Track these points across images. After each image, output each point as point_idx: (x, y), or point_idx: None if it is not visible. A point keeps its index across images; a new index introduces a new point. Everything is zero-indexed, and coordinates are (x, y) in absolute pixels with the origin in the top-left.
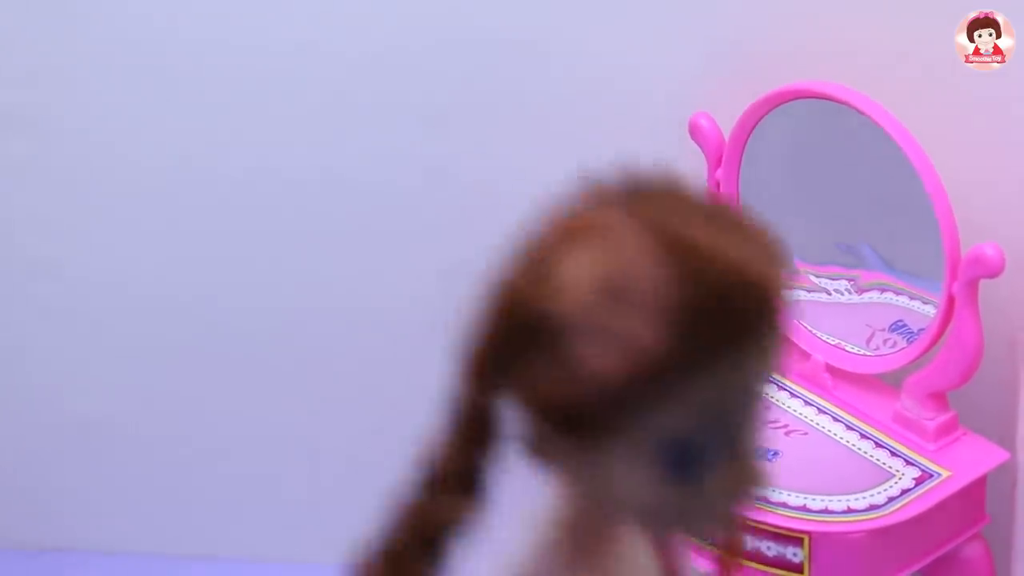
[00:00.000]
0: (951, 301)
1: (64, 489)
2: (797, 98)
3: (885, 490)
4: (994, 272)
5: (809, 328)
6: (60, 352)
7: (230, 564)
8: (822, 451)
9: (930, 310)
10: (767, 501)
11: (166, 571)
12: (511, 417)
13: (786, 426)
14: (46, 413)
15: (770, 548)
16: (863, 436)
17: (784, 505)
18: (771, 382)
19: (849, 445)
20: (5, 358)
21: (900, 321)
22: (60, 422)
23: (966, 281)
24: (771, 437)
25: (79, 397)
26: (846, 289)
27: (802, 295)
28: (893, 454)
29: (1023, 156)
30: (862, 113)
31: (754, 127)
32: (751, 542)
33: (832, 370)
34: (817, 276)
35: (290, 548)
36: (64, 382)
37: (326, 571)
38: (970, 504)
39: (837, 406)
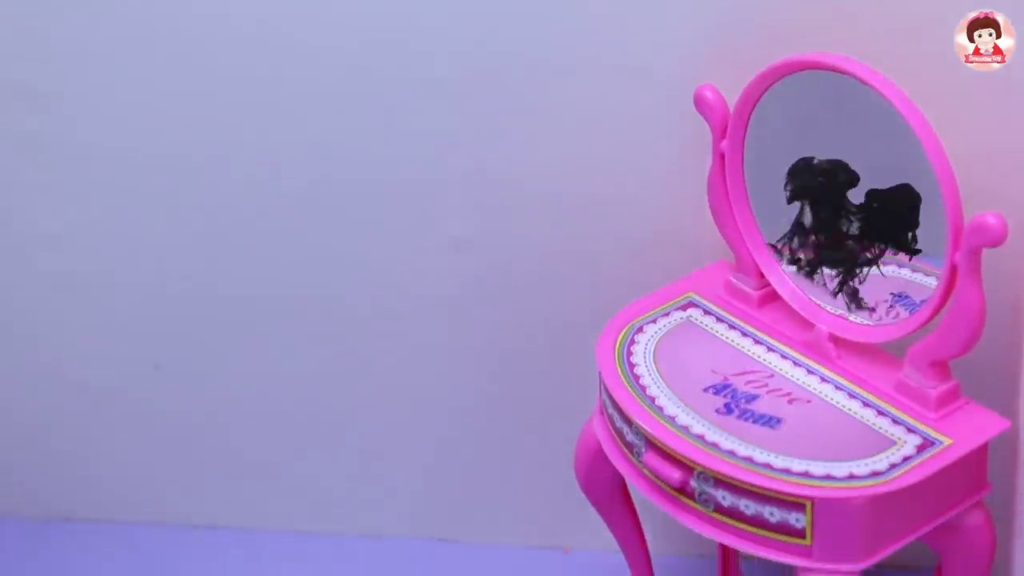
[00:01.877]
0: (953, 270)
1: (71, 458)
2: (801, 69)
3: (887, 457)
4: (996, 241)
5: (812, 298)
6: (67, 321)
7: (236, 534)
8: (825, 419)
9: (932, 282)
10: (770, 467)
11: (173, 540)
12: None
13: (789, 394)
14: (53, 382)
15: (773, 514)
16: (865, 404)
17: (787, 471)
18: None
19: (851, 413)
20: (13, 328)
21: (903, 293)
22: (67, 391)
23: (968, 250)
24: (775, 405)
25: (86, 366)
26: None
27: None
28: (895, 422)
29: None
30: (866, 84)
31: (759, 99)
32: (754, 508)
33: (835, 340)
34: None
35: (296, 518)
36: (70, 351)
37: (332, 541)
38: (972, 472)
39: (840, 375)
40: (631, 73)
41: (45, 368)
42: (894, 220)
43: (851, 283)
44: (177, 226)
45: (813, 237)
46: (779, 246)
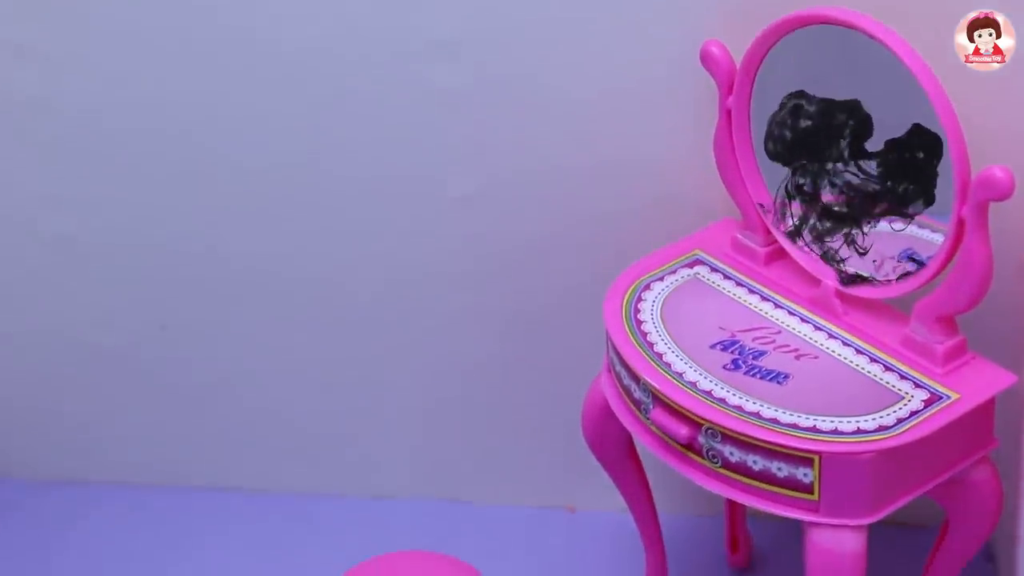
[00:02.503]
0: (960, 225)
1: (78, 420)
2: (808, 24)
3: (894, 412)
4: (1004, 194)
5: (819, 255)
6: (72, 283)
7: (243, 495)
8: (832, 374)
9: (939, 238)
10: (778, 423)
11: (179, 502)
12: None
13: (796, 350)
14: (59, 344)
15: (781, 469)
16: (873, 360)
17: (795, 426)
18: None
19: (859, 368)
20: (20, 290)
21: (909, 249)
22: (73, 353)
23: (976, 204)
24: (782, 361)
25: (92, 328)
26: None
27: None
28: (902, 377)
29: None
30: (872, 37)
31: (765, 54)
32: (762, 463)
33: (842, 296)
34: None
35: (302, 479)
36: (76, 313)
37: (338, 502)
38: (978, 427)
39: (847, 331)
40: (637, 29)
41: (51, 330)
42: (907, 170)
43: (839, 253)
44: (181, 187)
45: (803, 200)
46: (766, 207)
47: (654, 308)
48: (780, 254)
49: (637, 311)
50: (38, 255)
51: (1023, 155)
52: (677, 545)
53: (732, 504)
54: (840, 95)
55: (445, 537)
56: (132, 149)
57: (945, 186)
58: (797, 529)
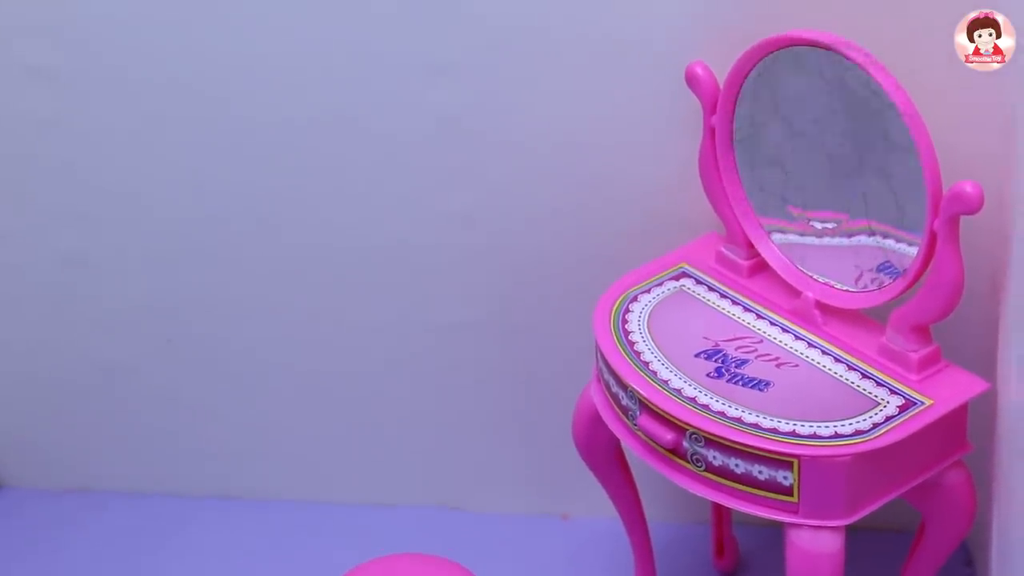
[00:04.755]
0: (933, 237)
1: (87, 430)
2: (789, 45)
3: (870, 417)
4: (973, 208)
5: (800, 268)
6: (83, 297)
7: (246, 504)
8: (811, 382)
9: (913, 251)
10: (759, 427)
11: (186, 510)
12: None
13: (777, 359)
14: (69, 357)
15: (762, 472)
16: (850, 368)
17: (775, 431)
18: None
19: (837, 376)
20: (31, 303)
21: (887, 262)
22: (83, 366)
23: (947, 217)
24: (763, 369)
25: (100, 341)
26: (836, 232)
27: (796, 238)
28: (878, 384)
29: (1004, 98)
30: (849, 59)
31: (747, 74)
32: (743, 467)
33: (822, 307)
34: (809, 220)
35: (301, 487)
36: (85, 327)
37: (339, 510)
38: (952, 432)
39: (826, 340)
40: (625, 51)
41: (60, 343)
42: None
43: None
44: (187, 206)
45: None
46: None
47: (641, 319)
48: (762, 267)
49: (625, 322)
50: (48, 270)
51: (992, 170)
52: (665, 551)
53: (718, 510)
54: (818, 114)
55: (440, 544)
56: (140, 168)
57: (920, 201)
58: (780, 535)
